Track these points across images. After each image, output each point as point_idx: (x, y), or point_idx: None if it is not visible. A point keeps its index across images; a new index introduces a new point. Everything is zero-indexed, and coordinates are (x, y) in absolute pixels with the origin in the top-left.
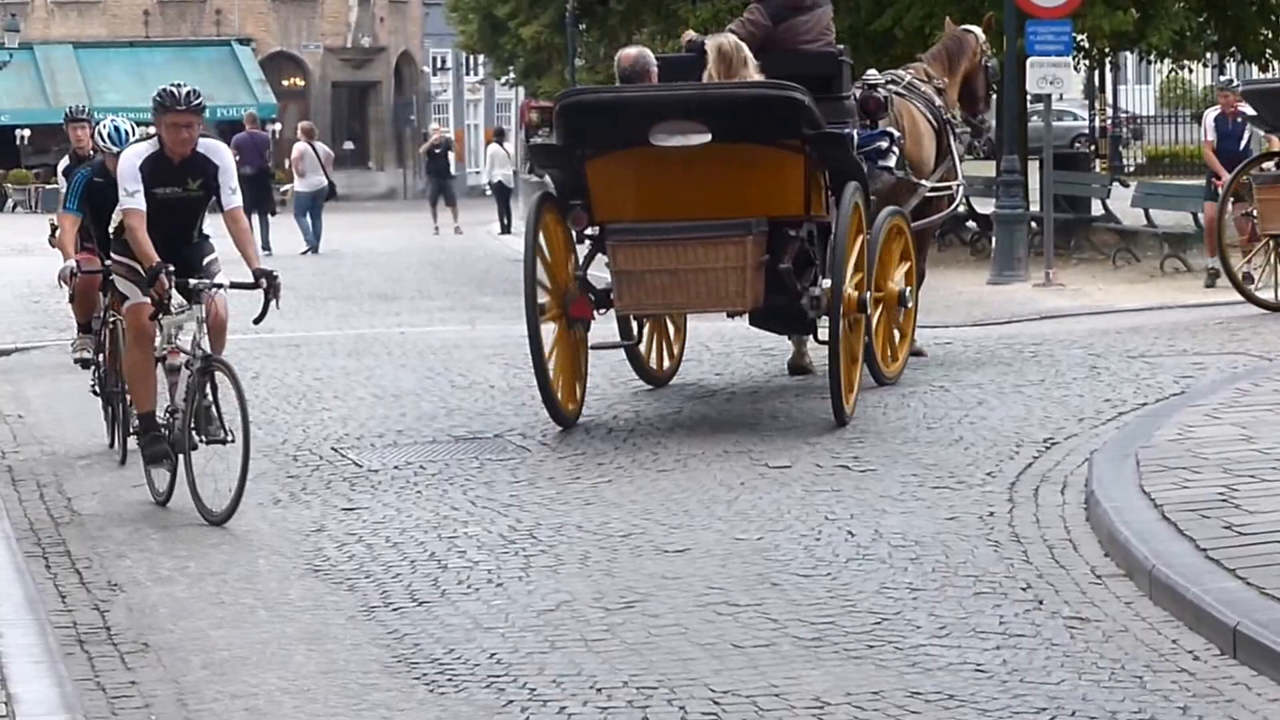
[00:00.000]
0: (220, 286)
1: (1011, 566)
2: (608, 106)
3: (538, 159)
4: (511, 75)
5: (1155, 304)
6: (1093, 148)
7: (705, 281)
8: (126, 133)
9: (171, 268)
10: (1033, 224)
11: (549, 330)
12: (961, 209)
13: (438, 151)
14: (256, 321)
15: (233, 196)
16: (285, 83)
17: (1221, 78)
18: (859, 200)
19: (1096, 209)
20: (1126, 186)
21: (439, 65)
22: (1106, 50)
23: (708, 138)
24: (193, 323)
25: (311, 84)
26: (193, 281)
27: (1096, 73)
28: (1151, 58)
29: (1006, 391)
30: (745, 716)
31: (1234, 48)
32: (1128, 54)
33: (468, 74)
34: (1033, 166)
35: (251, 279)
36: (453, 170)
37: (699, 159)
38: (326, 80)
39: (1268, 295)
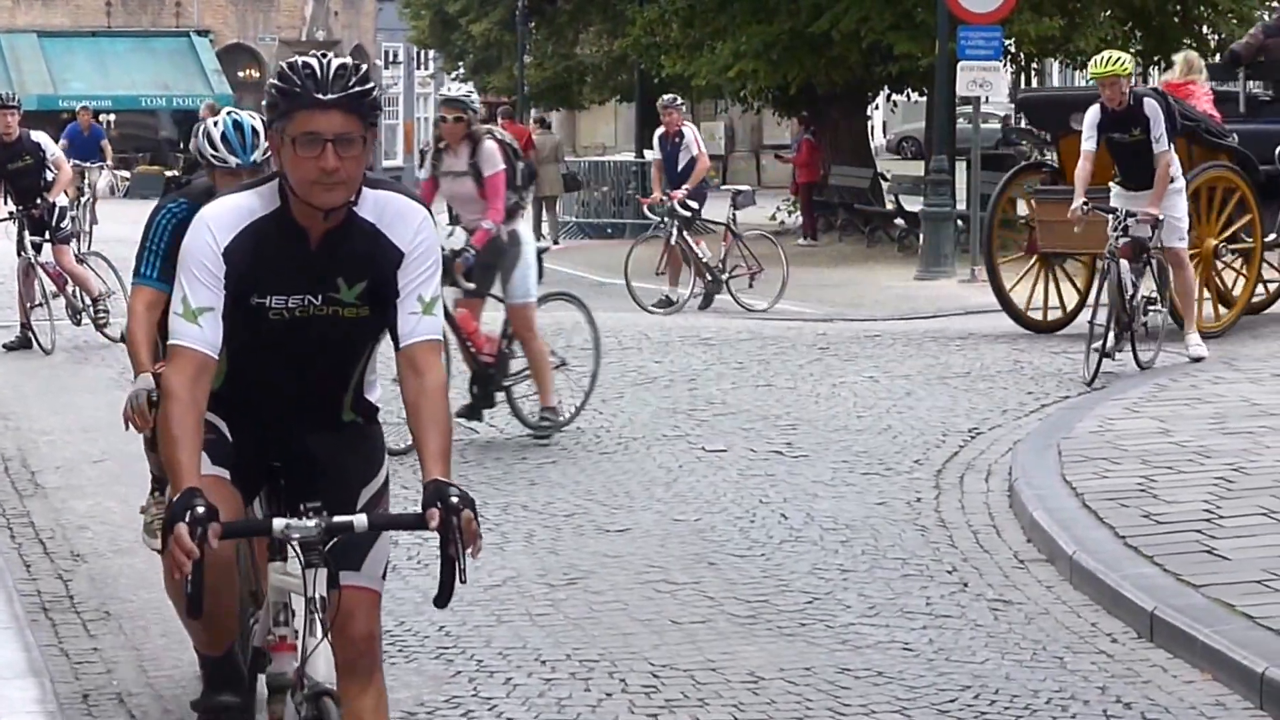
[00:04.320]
0: (335, 534)
1: (938, 550)
2: (1041, 102)
3: (1024, 138)
4: (461, 70)
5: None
6: (1017, 149)
7: (1087, 229)
8: (257, 131)
9: (201, 507)
10: (959, 222)
11: (1025, 264)
12: (890, 206)
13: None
14: (438, 603)
15: (424, 319)
16: (241, 74)
17: None
18: (1210, 175)
19: (1022, 209)
20: None
21: (391, 59)
22: (1033, 55)
23: None
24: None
25: (267, 75)
26: (282, 526)
27: (1022, 77)
28: (1075, 64)
29: (933, 383)
30: (683, 689)
31: (1158, 57)
32: (1053, 60)
33: (419, 68)
34: (960, 166)
35: (420, 510)
36: (376, 162)
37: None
38: None
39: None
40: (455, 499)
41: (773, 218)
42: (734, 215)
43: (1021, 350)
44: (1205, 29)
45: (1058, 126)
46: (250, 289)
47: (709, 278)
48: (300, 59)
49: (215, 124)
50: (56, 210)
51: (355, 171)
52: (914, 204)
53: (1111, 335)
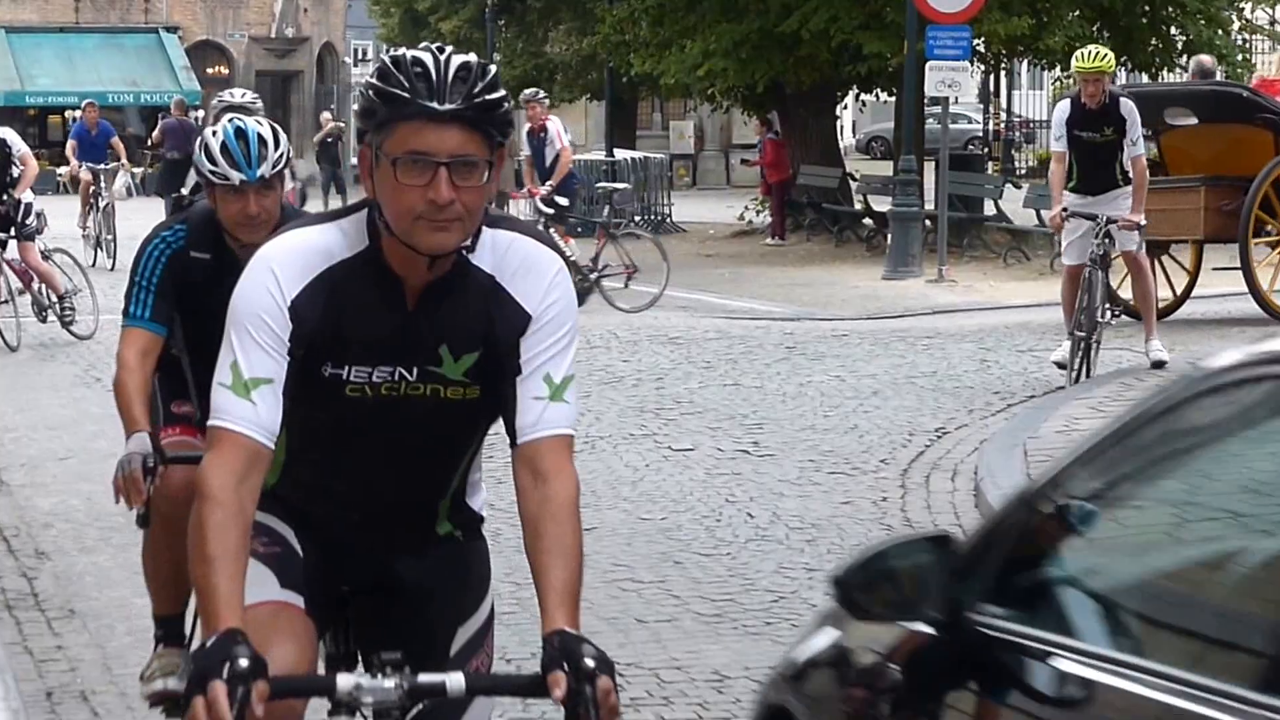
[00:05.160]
0: (421, 698)
1: None
2: (1138, 98)
3: None
4: None
5: (1044, 300)
6: (986, 150)
7: (1180, 217)
8: (264, 140)
9: (244, 658)
10: (927, 222)
11: None
12: (859, 206)
13: (330, 140)
14: None
15: (552, 407)
16: (210, 71)
17: None
18: None
19: (989, 209)
20: (1018, 188)
21: (360, 56)
22: (1002, 55)
23: (1194, 120)
24: None
25: (236, 72)
26: (351, 686)
27: (991, 78)
28: (1044, 64)
29: (900, 382)
30: (648, 688)
31: (1125, 57)
32: (1021, 60)
33: None
34: (929, 167)
35: (540, 670)
36: (344, 159)
37: (1202, 134)
38: (250, 69)
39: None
40: (591, 661)
41: (740, 217)
42: (610, 214)
43: (988, 350)
44: (1173, 30)
45: (1158, 121)
46: (323, 356)
47: (577, 276)
48: (409, 52)
49: (214, 133)
50: (22, 207)
51: (474, 205)
52: (882, 204)
53: (1070, 343)
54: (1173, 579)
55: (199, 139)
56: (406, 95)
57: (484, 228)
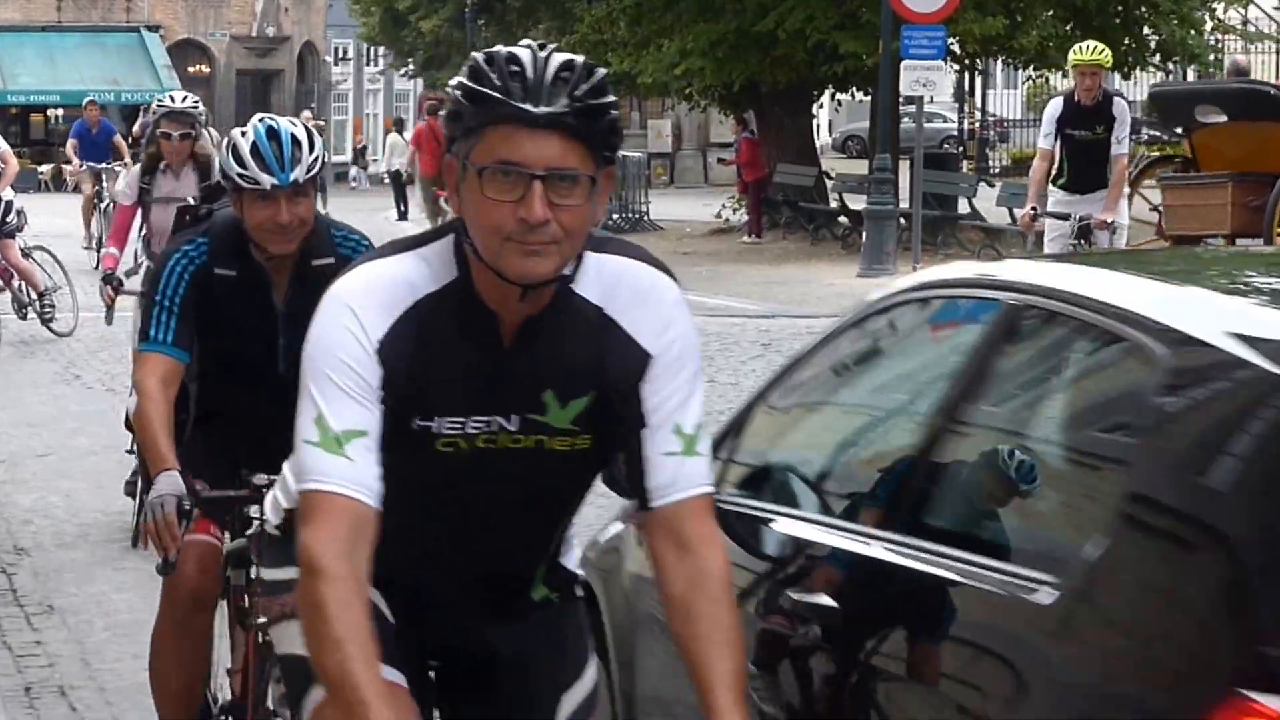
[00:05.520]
0: None
1: None
2: (1173, 95)
3: (1162, 135)
4: (411, 67)
5: None
6: (961, 149)
7: (1207, 212)
8: (298, 141)
9: None
10: (902, 220)
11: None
12: (834, 204)
13: None
14: None
15: (687, 463)
16: (191, 70)
17: None
18: None
19: (963, 207)
20: (992, 186)
21: (341, 55)
22: (976, 54)
23: (1224, 118)
24: None
25: (216, 71)
26: None
27: (965, 77)
28: (1018, 64)
29: None
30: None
31: None
32: (995, 59)
33: (368, 65)
34: (903, 165)
35: None
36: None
37: (1231, 131)
38: (231, 68)
39: None
40: None
41: (718, 215)
42: None
43: None
44: (1146, 30)
45: (1189, 119)
46: (411, 406)
47: None
48: (505, 49)
49: (243, 134)
50: (2, 204)
51: (575, 228)
52: (858, 202)
53: None
54: (847, 460)
55: (226, 139)
56: (498, 96)
57: (589, 254)
